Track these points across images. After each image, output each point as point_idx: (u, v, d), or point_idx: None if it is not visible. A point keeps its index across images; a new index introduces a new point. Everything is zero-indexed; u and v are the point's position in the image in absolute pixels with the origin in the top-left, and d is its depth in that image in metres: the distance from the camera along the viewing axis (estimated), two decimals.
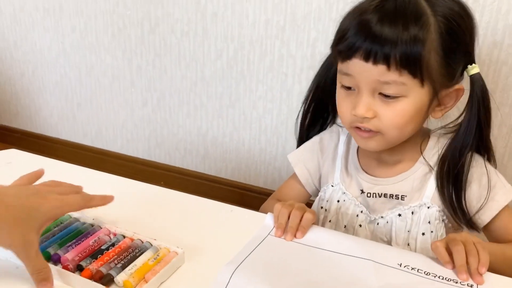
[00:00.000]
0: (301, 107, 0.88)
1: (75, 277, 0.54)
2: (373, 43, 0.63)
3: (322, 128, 0.88)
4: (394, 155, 0.76)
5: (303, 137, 0.90)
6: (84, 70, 1.63)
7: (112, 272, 0.54)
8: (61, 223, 0.64)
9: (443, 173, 0.73)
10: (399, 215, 0.74)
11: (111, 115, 1.65)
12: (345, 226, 0.78)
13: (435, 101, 0.69)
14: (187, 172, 1.59)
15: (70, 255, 0.56)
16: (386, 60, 0.62)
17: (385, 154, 0.76)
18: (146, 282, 0.53)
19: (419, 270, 0.57)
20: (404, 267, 0.58)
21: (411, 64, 0.63)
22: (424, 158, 0.75)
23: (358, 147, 0.81)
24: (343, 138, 0.83)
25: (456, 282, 0.55)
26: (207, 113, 1.47)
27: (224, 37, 1.34)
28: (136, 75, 1.55)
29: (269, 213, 0.70)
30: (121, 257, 0.57)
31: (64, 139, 1.79)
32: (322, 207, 0.81)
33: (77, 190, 0.61)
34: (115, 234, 0.62)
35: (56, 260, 0.56)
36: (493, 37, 1.06)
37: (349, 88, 0.70)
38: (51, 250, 0.58)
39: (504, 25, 1.03)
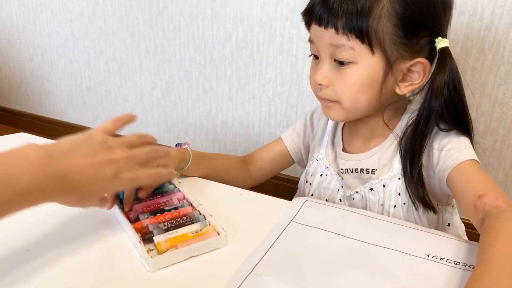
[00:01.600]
0: None
1: (126, 224, 0.60)
2: (323, 9, 0.64)
3: None
4: (368, 128, 0.75)
5: None
6: (92, 54, 1.63)
7: (155, 232, 0.58)
8: None
9: (402, 144, 0.71)
10: (371, 189, 0.74)
11: (120, 99, 1.65)
12: (326, 200, 0.79)
13: (392, 74, 0.66)
14: None
15: (138, 206, 0.63)
16: (334, 24, 0.64)
17: (361, 127, 0.76)
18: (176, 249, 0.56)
19: (448, 260, 0.56)
20: (433, 257, 0.56)
21: (357, 31, 0.63)
22: (394, 132, 0.73)
23: (344, 124, 0.81)
24: None
25: None
26: (216, 97, 1.46)
27: (233, 19, 1.32)
28: (144, 59, 1.54)
29: (294, 199, 0.69)
30: (173, 221, 0.61)
31: (74, 123, 1.80)
32: (307, 181, 0.83)
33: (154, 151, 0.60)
34: (186, 200, 0.66)
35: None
36: (510, 17, 1.02)
37: (316, 57, 0.71)
38: None
39: None
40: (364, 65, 0.66)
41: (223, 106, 1.47)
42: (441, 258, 0.56)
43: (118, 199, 0.67)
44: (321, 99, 0.71)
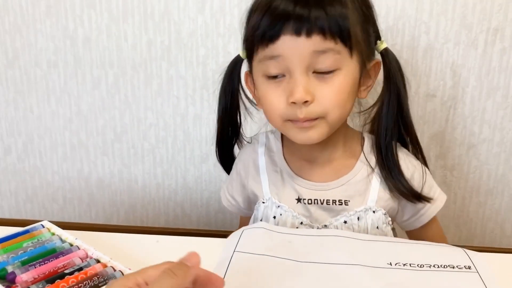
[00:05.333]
0: (216, 139, 0.83)
1: None
2: (301, 18, 0.61)
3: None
4: (324, 150, 0.71)
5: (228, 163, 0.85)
6: None
7: None
8: (39, 240, 0.58)
9: (382, 168, 0.71)
10: (345, 222, 0.68)
11: None
12: None
13: (362, 76, 0.68)
14: (69, 225, 1.35)
15: (26, 276, 0.50)
16: (321, 30, 0.61)
17: (315, 150, 0.71)
18: None
19: (411, 265, 0.52)
20: (396, 265, 0.52)
21: (343, 32, 0.62)
22: (365, 157, 0.72)
23: (283, 150, 0.75)
24: (261, 150, 0.77)
25: (453, 267, 0.51)
26: (88, 153, 1.29)
27: (101, 63, 1.20)
28: None
29: (232, 234, 0.61)
30: (80, 285, 0.49)
31: None
32: None
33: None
34: (91, 258, 0.56)
35: (10, 280, 0.51)
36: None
37: (274, 77, 0.65)
38: (10, 268, 0.52)
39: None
40: (347, 70, 0.64)
41: (98, 162, 1.29)
42: (404, 264, 0.52)
43: (2, 276, 0.50)
44: (304, 120, 0.63)
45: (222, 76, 0.78)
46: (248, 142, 0.81)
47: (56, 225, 0.73)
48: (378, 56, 0.73)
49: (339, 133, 0.70)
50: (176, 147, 1.23)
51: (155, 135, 1.23)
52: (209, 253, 0.56)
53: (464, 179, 1.15)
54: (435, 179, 1.15)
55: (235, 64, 0.75)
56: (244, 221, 0.83)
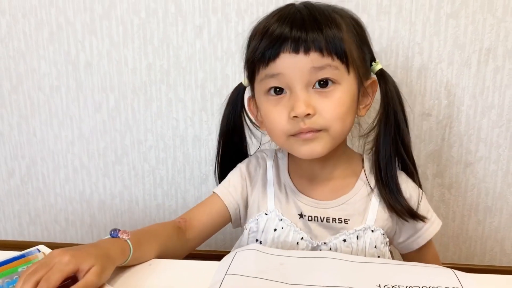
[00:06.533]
0: (216, 152, 0.85)
1: None
2: (299, 36, 0.64)
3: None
4: (324, 168, 0.73)
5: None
6: None
7: None
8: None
9: (381, 186, 0.72)
10: (344, 240, 0.69)
11: None
12: None
13: (360, 93, 0.71)
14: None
15: None
16: (318, 47, 0.64)
17: (316, 168, 0.73)
18: None
19: (400, 286, 0.53)
20: (385, 287, 0.52)
21: (339, 49, 0.65)
22: (366, 176, 0.74)
23: (288, 167, 0.77)
24: (270, 163, 0.79)
25: None
26: (89, 175, 1.31)
27: (102, 87, 1.22)
28: None
29: (225, 256, 0.61)
30: None
31: None
32: (257, 240, 0.73)
33: None
34: None
35: None
36: None
37: (278, 91, 0.67)
38: None
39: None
40: (345, 85, 0.67)
41: (99, 184, 1.31)
42: (393, 286, 0.52)
43: None
44: (307, 131, 0.66)
45: (225, 102, 0.81)
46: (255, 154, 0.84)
47: (58, 247, 0.75)
48: (374, 76, 0.76)
49: (339, 152, 0.73)
50: (176, 168, 1.25)
51: (155, 156, 1.25)
52: (202, 276, 0.57)
53: (462, 197, 1.15)
54: (433, 197, 1.16)
55: (238, 92, 0.79)
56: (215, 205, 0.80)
